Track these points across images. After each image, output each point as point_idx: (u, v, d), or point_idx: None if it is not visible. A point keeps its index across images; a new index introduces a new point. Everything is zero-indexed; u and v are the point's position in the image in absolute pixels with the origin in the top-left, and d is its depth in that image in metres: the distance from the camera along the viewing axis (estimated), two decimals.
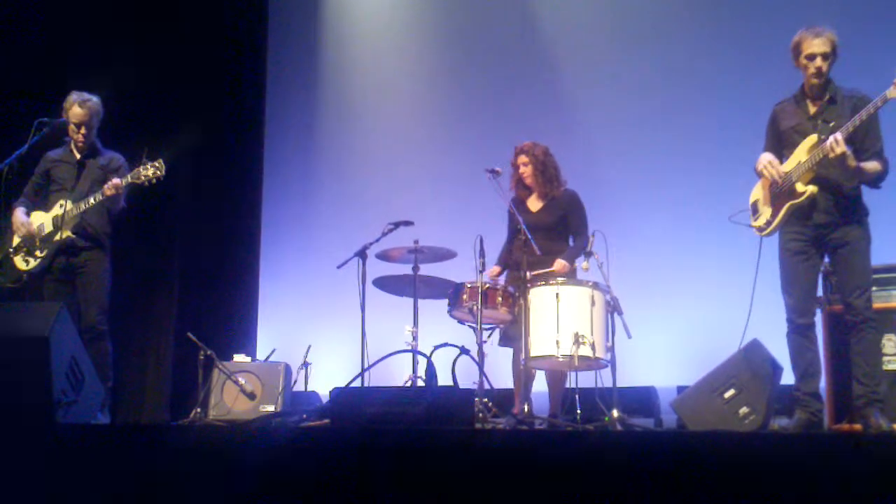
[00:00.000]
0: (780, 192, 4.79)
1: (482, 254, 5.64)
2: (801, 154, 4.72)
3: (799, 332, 4.76)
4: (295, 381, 6.64)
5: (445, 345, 5.63)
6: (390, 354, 5.50)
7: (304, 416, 5.13)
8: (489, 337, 5.64)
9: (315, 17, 9.18)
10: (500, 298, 5.53)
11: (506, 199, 5.82)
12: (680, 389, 5.70)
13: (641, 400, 6.57)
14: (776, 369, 5.01)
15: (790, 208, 4.74)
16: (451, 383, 5.51)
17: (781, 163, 4.84)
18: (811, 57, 4.68)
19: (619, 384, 5.19)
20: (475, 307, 5.46)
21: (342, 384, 4.97)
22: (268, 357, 6.86)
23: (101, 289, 5.76)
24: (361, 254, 6.23)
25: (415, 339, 5.95)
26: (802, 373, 4.75)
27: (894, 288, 5.15)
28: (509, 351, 5.85)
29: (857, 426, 4.68)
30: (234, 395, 6.32)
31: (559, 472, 3.27)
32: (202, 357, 6.34)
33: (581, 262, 5.55)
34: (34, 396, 4.39)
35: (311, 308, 8.21)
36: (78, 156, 5.89)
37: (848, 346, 4.71)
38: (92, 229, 5.77)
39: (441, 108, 8.45)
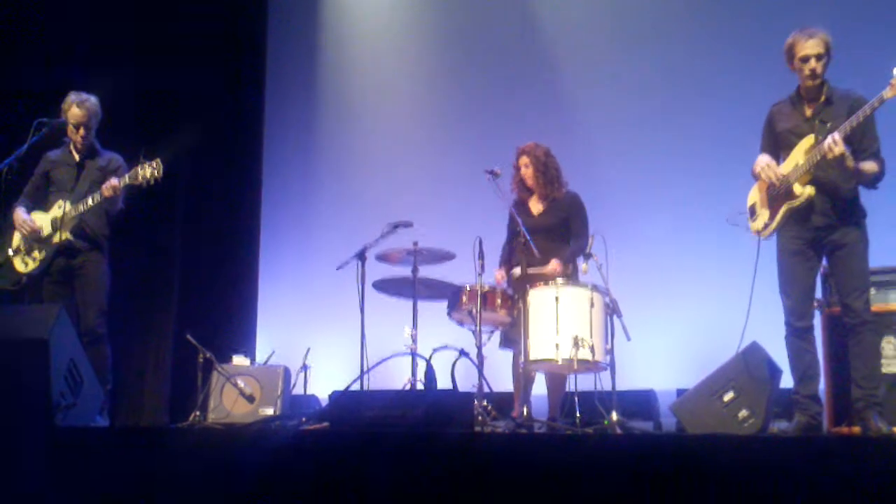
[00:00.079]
0: (777, 194, 4.78)
1: (481, 255, 5.63)
2: (799, 156, 4.72)
3: (797, 335, 4.76)
4: (294, 384, 6.62)
5: (445, 347, 5.64)
6: (389, 357, 5.50)
7: (304, 419, 5.14)
8: (488, 339, 5.63)
9: (315, 18, 9.18)
10: (499, 301, 5.53)
11: (505, 201, 5.82)
12: (679, 392, 5.70)
13: (641, 403, 6.56)
14: (775, 372, 5.02)
15: (788, 210, 4.74)
16: (450, 386, 5.52)
17: (778, 165, 4.84)
18: (805, 59, 4.68)
19: (619, 387, 5.19)
20: (474, 309, 5.46)
21: (341, 387, 4.98)
22: (267, 360, 6.85)
23: (100, 291, 5.75)
24: (361, 255, 6.22)
25: (414, 341, 5.94)
26: (801, 376, 4.75)
27: (893, 290, 5.15)
28: (509, 354, 5.84)
29: (857, 429, 4.68)
30: (234, 398, 6.31)
31: (558, 476, 3.27)
32: (201, 360, 6.33)
33: (580, 264, 5.54)
34: (33, 399, 4.38)
35: (310, 310, 8.20)
36: (77, 157, 5.89)
37: (847, 348, 4.70)
38: (90, 231, 5.77)
39: (441, 108, 8.44)
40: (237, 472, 3.55)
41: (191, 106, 8.16)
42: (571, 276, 5.60)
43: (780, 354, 4.92)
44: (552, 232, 5.87)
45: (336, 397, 4.41)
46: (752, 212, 5.01)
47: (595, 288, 5.32)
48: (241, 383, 6.32)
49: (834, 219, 4.67)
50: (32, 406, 4.35)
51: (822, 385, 4.90)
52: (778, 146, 4.91)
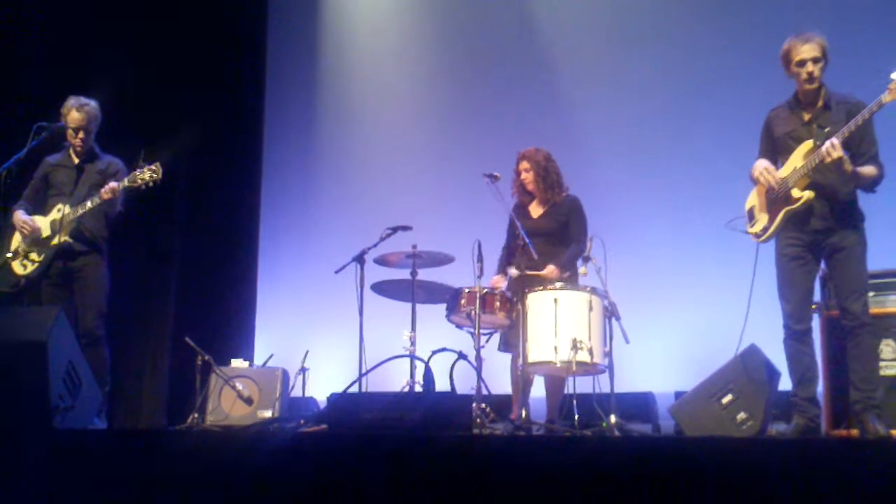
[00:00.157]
0: (776, 198, 4.79)
1: (480, 259, 5.64)
2: (797, 160, 4.73)
3: (796, 338, 4.76)
4: (292, 387, 6.62)
5: (443, 350, 5.64)
6: (388, 360, 5.49)
7: (302, 421, 5.14)
8: (487, 342, 5.63)
9: (314, 22, 9.19)
10: (498, 303, 5.53)
11: (504, 204, 5.81)
12: (678, 395, 5.70)
13: (639, 405, 6.56)
14: (774, 375, 5.02)
15: (787, 214, 4.74)
16: (448, 389, 5.52)
17: (776, 169, 4.84)
18: (802, 63, 4.69)
19: (617, 390, 5.18)
20: (473, 312, 5.46)
21: (340, 389, 4.98)
22: (265, 362, 6.84)
23: (99, 293, 5.76)
24: (359, 258, 6.23)
25: (413, 344, 5.95)
26: (800, 378, 4.75)
27: (891, 293, 5.16)
28: (507, 356, 5.84)
29: (855, 431, 4.68)
30: (232, 401, 6.31)
31: (557, 478, 3.27)
32: (200, 362, 6.32)
33: (579, 267, 5.54)
34: (32, 401, 4.39)
35: (308, 313, 8.20)
36: (76, 160, 5.89)
37: (845, 351, 4.70)
38: (89, 234, 5.77)
39: (440, 112, 8.45)
40: (235, 475, 3.55)
41: (190, 109, 8.16)
42: (570, 280, 5.60)
43: (778, 357, 4.92)
44: (552, 236, 5.87)
45: (334, 400, 4.41)
46: (751, 216, 5.01)
47: (594, 291, 5.32)
48: (239, 386, 6.32)
49: (832, 222, 4.68)
50: (31, 408, 4.35)
51: (820, 388, 4.91)
52: (776, 150, 4.91)
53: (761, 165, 4.86)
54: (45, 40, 7.57)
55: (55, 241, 5.68)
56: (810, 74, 4.68)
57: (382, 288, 6.20)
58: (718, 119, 7.23)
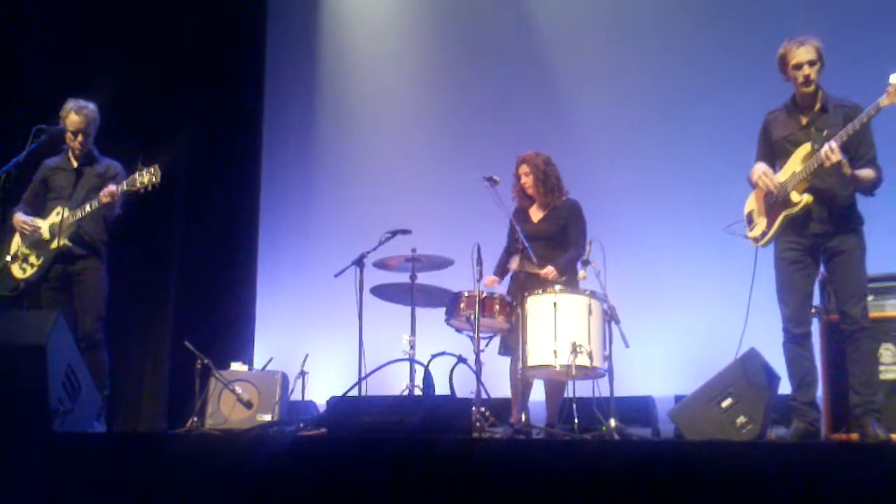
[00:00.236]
0: (775, 202, 4.79)
1: (480, 262, 5.64)
2: (796, 164, 4.73)
3: (795, 342, 4.76)
4: (292, 390, 6.62)
5: (443, 354, 5.63)
6: (388, 363, 5.48)
7: (301, 425, 5.12)
8: (487, 346, 5.63)
9: (314, 24, 9.19)
10: (497, 307, 5.52)
11: (503, 208, 5.81)
12: (677, 399, 5.69)
13: (639, 409, 6.56)
14: (773, 379, 5.02)
15: (785, 218, 4.75)
16: (448, 392, 5.51)
17: (774, 173, 4.85)
18: (798, 66, 4.71)
19: (617, 393, 5.18)
20: (473, 316, 5.46)
21: (339, 393, 4.96)
22: (265, 366, 6.84)
23: (98, 297, 5.76)
24: (359, 262, 6.23)
25: (412, 347, 5.95)
26: (799, 382, 4.75)
27: (890, 297, 5.16)
28: (506, 360, 5.84)
29: (855, 435, 4.68)
30: (231, 404, 6.31)
31: (556, 482, 3.27)
32: (199, 366, 6.32)
33: (578, 271, 5.54)
34: (31, 405, 4.38)
35: (308, 317, 8.20)
36: (75, 163, 5.90)
37: (844, 355, 4.71)
38: (88, 237, 5.77)
39: (439, 115, 8.45)
40: (235, 478, 3.55)
41: (189, 112, 8.17)
42: (569, 283, 5.60)
43: (778, 361, 4.93)
44: (551, 240, 5.87)
45: (334, 403, 4.41)
46: (750, 220, 5.01)
47: (593, 294, 5.32)
48: (238, 389, 6.32)
49: (831, 226, 4.68)
50: (30, 411, 4.35)
51: (819, 392, 4.91)
52: (774, 154, 4.92)
53: (760, 169, 4.86)
54: (44, 41, 7.57)
55: (54, 244, 5.68)
56: (807, 77, 4.69)
57: (382, 291, 6.20)
58: (717, 122, 7.23)
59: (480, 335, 5.46)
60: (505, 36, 8.35)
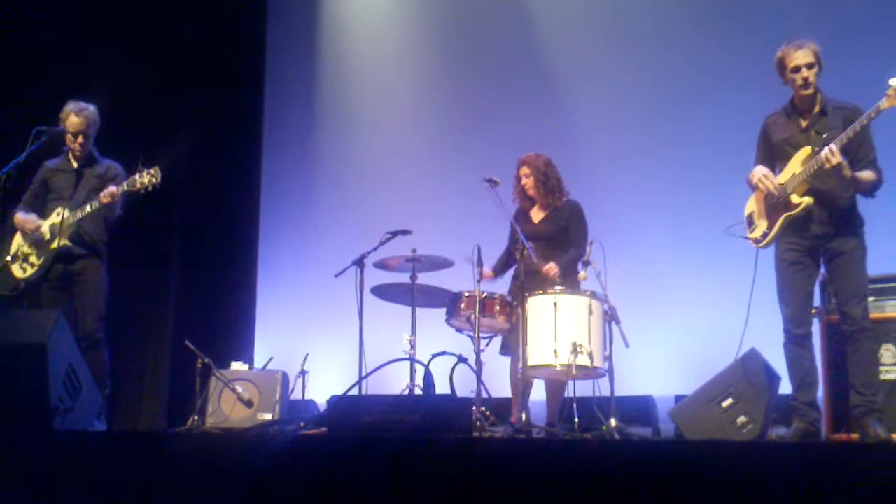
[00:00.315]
0: (775, 204, 4.80)
1: (480, 263, 5.64)
2: (796, 166, 4.74)
3: (796, 342, 4.76)
4: (292, 390, 6.62)
5: (443, 353, 5.64)
6: (388, 363, 5.49)
7: (302, 424, 5.13)
8: (487, 346, 5.63)
9: (314, 26, 9.20)
10: (497, 307, 5.53)
11: (503, 209, 5.81)
12: (678, 399, 5.70)
13: (639, 409, 6.57)
14: (774, 379, 5.02)
15: (786, 220, 4.75)
16: (448, 392, 5.51)
17: (774, 175, 4.85)
18: (796, 69, 4.71)
19: (617, 393, 5.18)
20: (473, 316, 5.46)
21: (340, 392, 4.97)
22: (265, 365, 6.85)
23: (99, 296, 5.76)
24: (359, 262, 6.23)
25: (413, 347, 5.95)
26: (800, 382, 4.76)
27: (891, 298, 5.16)
28: (506, 360, 5.84)
29: (855, 436, 4.68)
30: (232, 403, 6.31)
31: (557, 481, 3.27)
32: (200, 365, 6.33)
33: (579, 272, 5.54)
34: (32, 403, 4.39)
35: (308, 316, 8.20)
36: (75, 165, 5.90)
37: (845, 355, 4.71)
38: (88, 237, 5.78)
39: (439, 116, 8.45)
40: (235, 477, 3.55)
41: (189, 113, 8.17)
42: (570, 283, 5.60)
43: (778, 361, 4.93)
44: (552, 240, 5.88)
45: (334, 402, 4.41)
46: (750, 221, 5.01)
47: (593, 295, 5.33)
48: (239, 388, 6.33)
49: (832, 228, 4.69)
50: (31, 410, 4.35)
51: (820, 392, 4.91)
52: (773, 157, 4.93)
53: (760, 172, 4.86)
54: (45, 41, 7.57)
55: (55, 244, 5.68)
56: (805, 80, 4.70)
57: (382, 291, 6.21)
58: (717, 123, 7.23)
59: (481, 335, 5.46)
60: (505, 37, 8.36)
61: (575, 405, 5.53)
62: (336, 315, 6.99)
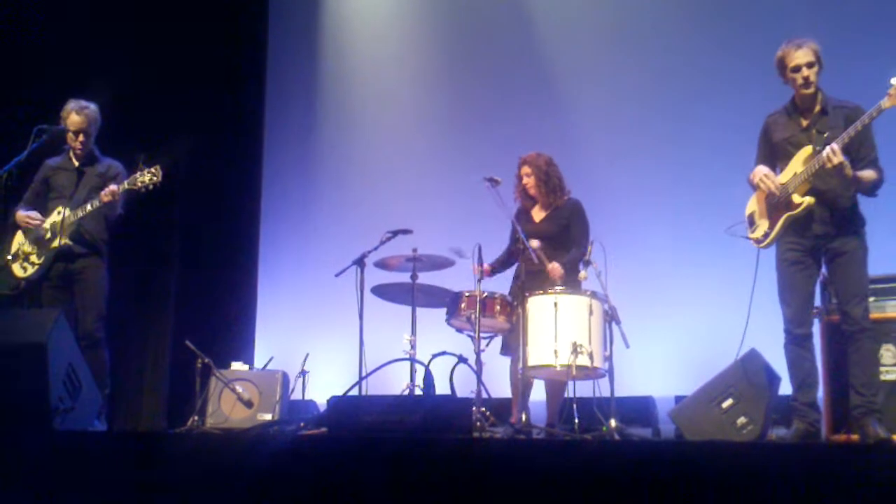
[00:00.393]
0: (776, 203, 4.79)
1: (480, 262, 5.65)
2: (797, 165, 4.74)
3: (796, 343, 4.76)
4: (292, 390, 6.62)
5: (443, 353, 5.64)
6: (388, 363, 5.49)
7: (302, 424, 5.13)
8: (487, 346, 5.63)
9: (315, 26, 9.20)
10: (498, 307, 5.53)
11: (504, 208, 5.80)
12: (678, 399, 5.70)
13: (639, 409, 6.56)
14: (774, 379, 5.02)
15: (787, 220, 4.75)
16: (448, 392, 5.51)
17: (775, 175, 4.85)
18: (797, 68, 4.71)
19: (617, 394, 5.18)
20: (473, 316, 5.46)
21: (340, 392, 4.97)
22: (265, 365, 6.85)
23: (99, 296, 5.76)
24: (360, 262, 6.23)
25: (413, 347, 5.95)
26: (800, 383, 4.75)
27: (891, 298, 5.15)
28: (507, 360, 5.84)
29: (855, 436, 4.68)
30: (232, 404, 6.31)
31: (557, 482, 3.26)
32: (200, 365, 6.33)
33: (579, 272, 5.54)
34: (31, 403, 4.39)
35: (309, 316, 8.20)
36: (76, 163, 5.90)
37: (845, 356, 4.71)
38: (89, 236, 5.78)
39: (440, 116, 8.45)
40: (235, 477, 3.55)
41: (190, 112, 8.16)
42: (570, 283, 5.60)
43: (778, 362, 4.93)
44: (553, 239, 5.87)
45: (334, 402, 4.41)
46: (751, 221, 5.01)
47: (594, 295, 5.33)
48: (239, 388, 6.33)
49: (833, 227, 4.68)
50: (31, 410, 4.35)
51: (820, 392, 4.90)
52: (774, 156, 4.92)
53: (761, 171, 4.86)
54: (45, 41, 7.57)
55: (55, 243, 5.68)
56: (806, 79, 4.70)
57: (383, 291, 6.20)
58: (718, 123, 7.23)
59: (481, 335, 5.46)
60: (505, 37, 8.35)
61: (575, 405, 5.53)
62: (336, 315, 7.00)
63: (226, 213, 8.53)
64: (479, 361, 5.40)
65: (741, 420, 4.83)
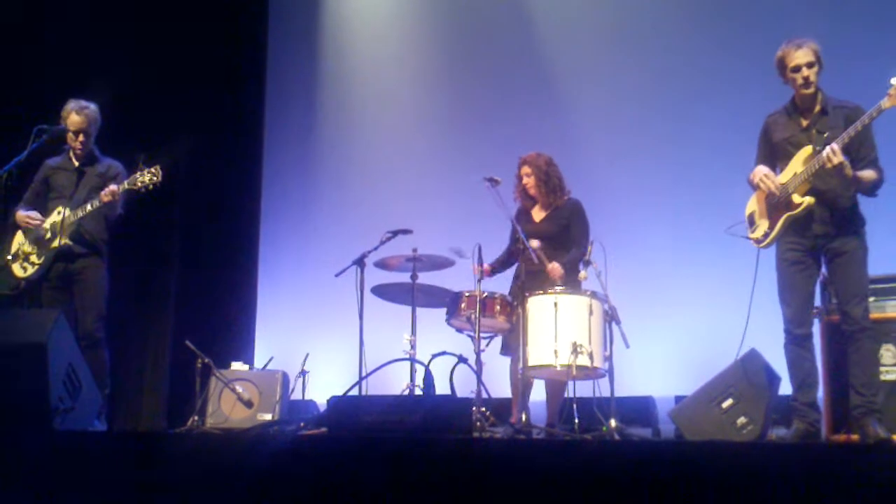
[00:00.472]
0: (776, 203, 4.79)
1: (480, 262, 5.64)
2: (797, 165, 4.74)
3: (796, 343, 4.76)
4: (292, 390, 6.62)
5: (443, 353, 5.64)
6: (388, 363, 5.49)
7: (302, 424, 5.13)
8: (487, 346, 5.63)
9: (315, 25, 9.20)
10: (498, 307, 5.53)
11: (504, 208, 5.80)
12: (678, 399, 5.70)
13: (639, 409, 6.56)
14: (774, 379, 5.02)
15: (787, 220, 4.75)
16: (448, 392, 5.51)
17: (775, 175, 4.85)
18: (797, 68, 4.72)
19: (617, 394, 5.18)
20: (473, 316, 5.46)
21: (340, 392, 4.97)
22: (265, 365, 6.85)
23: (99, 296, 5.76)
24: (360, 262, 6.23)
25: (413, 347, 5.95)
26: (800, 383, 4.75)
27: (891, 298, 5.15)
28: (507, 360, 5.84)
29: (855, 436, 4.68)
30: (232, 404, 6.31)
31: (557, 482, 3.26)
32: (200, 365, 6.33)
33: (579, 272, 5.54)
34: (32, 403, 4.39)
35: (309, 316, 8.20)
36: (76, 163, 5.90)
37: (845, 356, 4.71)
38: (89, 236, 5.78)
39: (440, 116, 8.45)
40: (235, 477, 3.55)
41: (190, 112, 8.16)
42: (570, 283, 5.59)
43: (778, 361, 4.93)
44: (553, 239, 5.87)
45: (334, 402, 4.41)
46: (751, 221, 5.01)
47: (594, 295, 5.32)
48: (239, 388, 6.32)
49: (833, 227, 4.69)
50: (31, 410, 4.35)
51: (820, 392, 4.90)
52: (774, 156, 4.93)
53: (761, 171, 4.86)
54: (45, 40, 7.57)
55: (55, 243, 5.68)
56: (806, 79, 4.70)
57: (383, 291, 6.20)
58: (718, 123, 7.23)
59: (481, 335, 5.46)
60: (505, 37, 8.36)
61: (575, 405, 5.53)
62: (336, 315, 7.00)
63: (226, 212, 8.53)
64: (479, 361, 5.40)
65: (741, 420, 4.83)
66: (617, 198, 7.42)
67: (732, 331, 4.96)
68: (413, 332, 6.01)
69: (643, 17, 7.88)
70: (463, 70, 8.46)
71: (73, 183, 5.86)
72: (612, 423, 5.05)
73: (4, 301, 5.77)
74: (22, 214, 5.77)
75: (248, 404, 6.29)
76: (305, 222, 8.72)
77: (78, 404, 4.67)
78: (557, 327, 5.21)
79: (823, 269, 4.83)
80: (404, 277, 6.09)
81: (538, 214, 6.02)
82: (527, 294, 5.40)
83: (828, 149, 4.50)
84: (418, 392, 5.67)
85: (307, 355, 6.79)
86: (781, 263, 4.83)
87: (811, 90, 4.73)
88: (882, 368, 4.94)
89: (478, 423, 4.94)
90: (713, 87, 7.43)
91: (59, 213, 5.74)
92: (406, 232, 6.19)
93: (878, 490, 2.96)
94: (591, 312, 5.26)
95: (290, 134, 9.00)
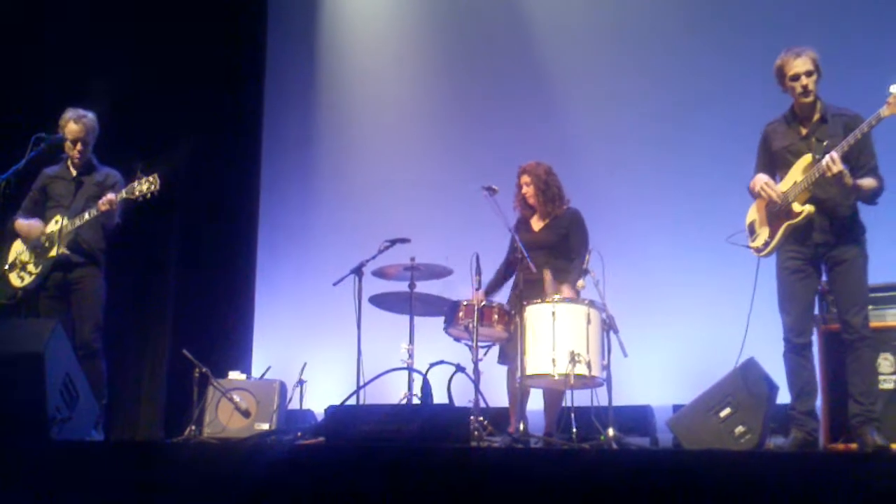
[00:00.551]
0: (776, 212, 4.80)
1: (478, 271, 5.64)
2: (797, 174, 4.74)
3: (795, 351, 4.76)
4: (290, 399, 6.61)
5: (441, 362, 5.62)
6: (386, 372, 5.48)
7: (299, 433, 5.13)
8: (485, 355, 5.62)
9: (314, 27, 9.21)
10: (496, 316, 5.52)
11: (502, 217, 5.80)
12: (676, 408, 5.69)
13: (637, 419, 6.55)
14: (772, 388, 5.01)
15: (788, 228, 4.75)
16: (446, 401, 5.50)
17: (775, 184, 4.86)
18: (796, 77, 4.73)
19: (615, 403, 5.17)
20: (471, 325, 5.46)
21: (337, 402, 4.97)
22: (263, 375, 6.83)
23: (96, 305, 5.75)
24: (357, 271, 6.23)
25: (410, 356, 5.94)
26: (798, 392, 4.75)
27: (891, 307, 5.16)
28: (505, 369, 5.83)
29: (854, 445, 4.68)
30: (229, 413, 6.29)
31: (555, 491, 3.26)
32: (197, 374, 6.31)
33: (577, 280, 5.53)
34: (29, 413, 4.38)
35: (306, 325, 8.19)
36: (74, 172, 5.90)
37: (844, 364, 4.70)
38: (87, 245, 5.77)
39: (439, 123, 8.45)
40: (232, 487, 3.54)
41: (188, 119, 8.16)
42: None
43: (777, 370, 4.92)
44: (552, 249, 5.86)
45: (332, 412, 4.40)
46: (752, 230, 5.02)
47: (592, 304, 5.32)
48: (236, 398, 6.31)
49: (833, 236, 4.69)
50: (28, 419, 4.34)
51: (818, 401, 4.90)
52: (774, 165, 4.93)
53: (761, 180, 4.87)
54: (45, 40, 7.57)
55: (53, 252, 5.67)
56: (805, 88, 4.71)
57: (380, 300, 6.20)
58: (717, 132, 7.23)
59: (479, 344, 5.45)
60: (505, 43, 8.36)
61: (573, 415, 5.51)
62: (334, 324, 6.98)
63: (224, 221, 8.52)
64: (476, 370, 5.39)
65: (739, 429, 4.82)
66: (615, 206, 7.42)
67: (730, 340, 4.96)
68: (411, 342, 6.00)
69: (643, 24, 7.89)
70: (462, 73, 8.47)
71: (70, 192, 5.86)
72: (610, 432, 5.04)
73: (1, 310, 5.76)
74: (22, 224, 5.77)
75: (246, 414, 6.28)
76: (304, 229, 8.72)
77: (75, 414, 4.66)
78: (555, 336, 5.20)
79: (824, 278, 4.83)
80: (402, 286, 6.08)
81: (537, 224, 6.02)
82: (525, 303, 5.40)
83: (827, 157, 4.50)
84: (416, 401, 5.66)
85: (305, 364, 6.79)
86: (782, 272, 4.83)
87: (810, 99, 4.74)
88: (880, 377, 4.94)
89: (475, 433, 4.93)
90: (713, 96, 7.44)
91: (56, 222, 5.73)
92: (404, 241, 6.19)
93: (877, 499, 2.96)
94: (589, 321, 5.26)
95: (289, 139, 9.00)
